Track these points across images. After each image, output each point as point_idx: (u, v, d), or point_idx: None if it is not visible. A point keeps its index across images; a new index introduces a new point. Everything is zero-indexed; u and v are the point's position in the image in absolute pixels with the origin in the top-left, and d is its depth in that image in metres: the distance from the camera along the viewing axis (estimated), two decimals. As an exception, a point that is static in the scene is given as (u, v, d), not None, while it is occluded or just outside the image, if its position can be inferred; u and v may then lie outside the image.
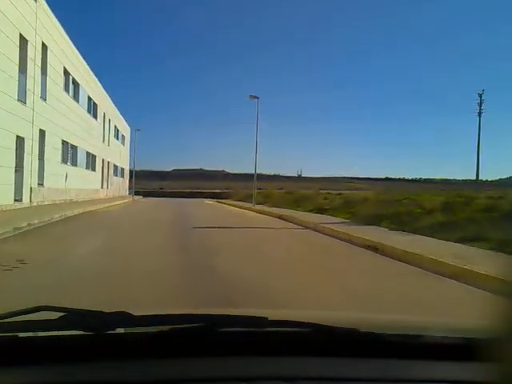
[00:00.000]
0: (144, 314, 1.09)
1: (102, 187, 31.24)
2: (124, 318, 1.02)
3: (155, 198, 44.55)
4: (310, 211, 18.78)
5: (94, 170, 28.19)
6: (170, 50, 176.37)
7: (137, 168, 42.64)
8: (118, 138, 39.30)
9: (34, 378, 0.87)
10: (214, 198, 47.53)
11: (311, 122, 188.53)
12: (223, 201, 37.11)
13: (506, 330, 0.68)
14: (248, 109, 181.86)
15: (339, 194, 28.26)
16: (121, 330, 1.01)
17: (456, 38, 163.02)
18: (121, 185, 42.37)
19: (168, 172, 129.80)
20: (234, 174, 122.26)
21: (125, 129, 44.18)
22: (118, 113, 39.76)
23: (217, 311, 1.60)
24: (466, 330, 1.24)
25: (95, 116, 28.16)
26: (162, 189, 76.46)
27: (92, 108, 27.06)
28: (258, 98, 24.76)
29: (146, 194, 57.92)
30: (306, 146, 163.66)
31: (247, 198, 36.73)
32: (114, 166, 37.95)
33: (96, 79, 27.81)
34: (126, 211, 19.20)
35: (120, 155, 40.35)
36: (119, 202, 27.28)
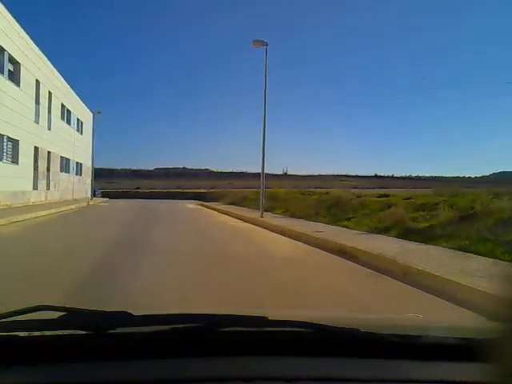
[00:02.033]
0: (144, 313, 1.07)
1: (35, 187, 21.70)
2: (124, 318, 1.00)
3: (125, 201, 35.01)
4: (384, 231, 9.76)
5: (14, 162, 18.68)
6: (154, 45, 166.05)
7: (116, 166, 33.42)
8: (69, 123, 29.66)
9: (33, 378, 0.87)
10: (197, 200, 38.54)
11: (296, 120, 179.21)
12: (211, 204, 27.88)
13: (505, 331, 0.67)
14: (233, 106, 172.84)
15: (384, 195, 19.40)
16: (121, 330, 0.98)
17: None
18: (76, 184, 32.67)
19: (150, 171, 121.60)
20: (218, 172, 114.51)
21: (84, 114, 34.46)
22: (71, 91, 30.16)
23: (217, 311, 1.43)
24: (466, 330, 1.24)
25: (16, 80, 18.61)
26: (138, 188, 66.88)
27: (5, 65, 17.54)
28: (266, 44, 15.70)
29: (119, 195, 48.73)
30: (290, 143, 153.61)
31: (242, 201, 27.71)
32: (65, 159, 28.37)
33: (14, 20, 18.19)
34: (14, 244, 9.84)
35: (74, 146, 30.73)
36: (53, 210, 17.87)
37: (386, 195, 19.36)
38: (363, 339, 1.03)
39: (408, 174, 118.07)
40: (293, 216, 15.94)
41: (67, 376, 0.88)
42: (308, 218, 14.79)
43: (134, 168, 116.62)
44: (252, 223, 14.54)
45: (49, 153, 24.07)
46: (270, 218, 14.93)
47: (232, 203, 28.05)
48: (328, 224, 12.72)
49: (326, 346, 1.00)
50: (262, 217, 15.43)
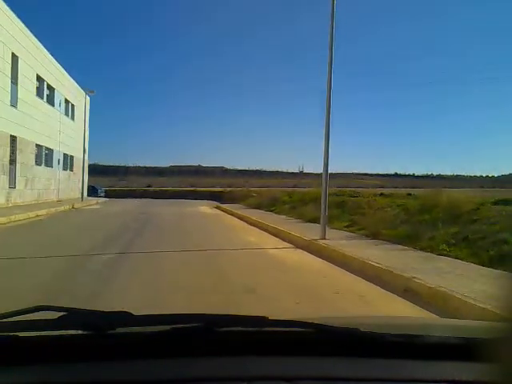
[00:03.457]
0: (144, 313, 1.06)
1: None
2: (124, 318, 1.00)
3: (126, 202, 28.84)
4: None
5: None
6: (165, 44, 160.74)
7: (130, 163, 27.12)
8: (53, 103, 23.48)
9: (34, 378, 0.87)
10: (213, 200, 32.20)
11: (313, 117, 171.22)
12: (230, 208, 21.30)
13: (506, 331, 0.67)
14: (246, 102, 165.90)
15: (502, 201, 12.56)
16: (121, 330, 0.96)
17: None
18: (64, 182, 26.44)
19: (165, 168, 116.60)
20: (234, 170, 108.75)
21: (77, 96, 28.32)
22: (55, 62, 24.00)
23: (217, 311, 1.38)
24: (466, 330, 1.22)
25: None
26: (149, 187, 60.95)
27: None
28: None
29: (125, 195, 43.05)
30: (306, 140, 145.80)
31: (272, 205, 21.11)
32: (44, 149, 22.22)
33: None
34: None
35: (60, 133, 24.57)
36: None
37: (506, 200, 12.57)
38: (363, 339, 1.01)
39: (429, 173, 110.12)
40: (374, 236, 9.29)
41: (67, 376, 0.87)
42: (410, 242, 8.15)
43: (148, 165, 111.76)
44: (315, 254, 7.82)
45: (13, 138, 17.84)
46: (341, 242, 8.31)
47: (257, 207, 21.49)
48: (483, 266, 6.05)
49: (326, 345, 0.98)
50: (324, 238, 8.83)
